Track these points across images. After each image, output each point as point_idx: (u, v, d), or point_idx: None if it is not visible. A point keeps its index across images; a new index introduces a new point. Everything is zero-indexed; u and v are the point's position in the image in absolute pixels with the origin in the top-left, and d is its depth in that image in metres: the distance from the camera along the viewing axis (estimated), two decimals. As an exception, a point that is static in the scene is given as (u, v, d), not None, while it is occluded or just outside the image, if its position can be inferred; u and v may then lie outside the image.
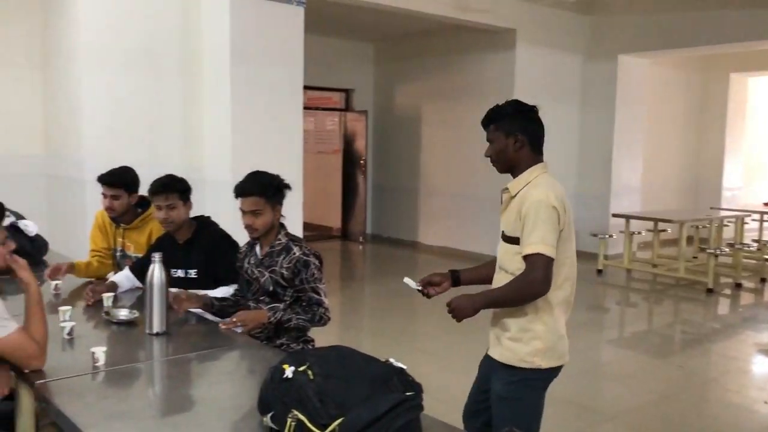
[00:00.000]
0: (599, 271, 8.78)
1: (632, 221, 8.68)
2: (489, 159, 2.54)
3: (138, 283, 3.59)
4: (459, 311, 2.42)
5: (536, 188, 2.40)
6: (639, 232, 9.03)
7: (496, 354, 2.54)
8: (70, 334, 2.70)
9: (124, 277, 3.62)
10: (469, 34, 9.23)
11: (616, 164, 9.71)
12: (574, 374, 5.08)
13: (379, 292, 7.70)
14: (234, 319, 2.85)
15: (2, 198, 5.96)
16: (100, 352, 2.40)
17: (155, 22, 6.07)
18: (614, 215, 8.98)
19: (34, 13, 6.49)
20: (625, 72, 9.58)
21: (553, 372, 2.53)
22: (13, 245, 2.43)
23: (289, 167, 6.38)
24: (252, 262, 3.08)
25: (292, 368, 1.89)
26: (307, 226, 11.38)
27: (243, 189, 3.02)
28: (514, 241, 2.42)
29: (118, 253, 3.92)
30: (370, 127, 10.65)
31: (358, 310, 6.88)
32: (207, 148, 6.32)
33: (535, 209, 2.34)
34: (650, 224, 8.93)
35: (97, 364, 2.39)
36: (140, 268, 3.52)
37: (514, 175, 2.49)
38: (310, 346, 3.07)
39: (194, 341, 2.83)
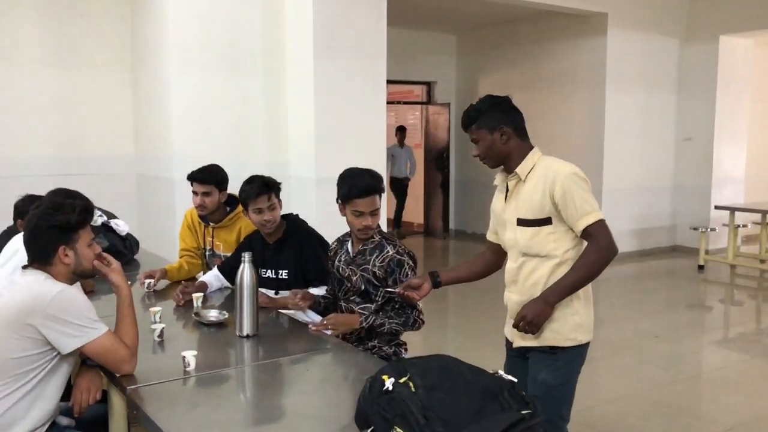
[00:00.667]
0: (700, 267, 8.24)
1: (736, 213, 8.10)
2: (478, 158, 2.53)
3: (227, 283, 3.55)
4: (537, 318, 2.33)
5: (557, 164, 2.39)
6: (744, 225, 8.43)
7: (536, 342, 2.42)
8: (160, 336, 2.64)
9: (213, 277, 3.57)
10: (558, 20, 8.85)
11: (717, 153, 9.09)
12: (681, 379, 4.74)
13: (464, 290, 7.47)
14: (325, 322, 2.72)
15: (96, 197, 6.10)
16: (191, 356, 2.32)
17: (239, 19, 6.07)
18: (717, 207, 8.41)
19: (125, 16, 6.62)
20: (727, 54, 8.94)
21: (587, 346, 2.47)
22: (99, 248, 2.38)
23: (372, 162, 6.26)
24: (343, 260, 2.94)
25: (392, 380, 1.74)
26: (388, 221, 11.34)
27: (368, 187, 2.75)
28: (540, 222, 2.37)
29: (207, 252, 3.89)
30: (452, 120, 10.42)
31: (443, 309, 6.68)
32: (291, 145, 6.28)
33: (572, 182, 2.32)
34: (756, 216, 8.31)
35: (188, 369, 2.31)
36: (229, 268, 3.47)
37: (510, 167, 2.46)
38: (403, 350, 2.91)
39: (285, 344, 2.72)
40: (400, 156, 10.46)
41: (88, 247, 2.31)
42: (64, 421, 2.24)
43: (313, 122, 5.98)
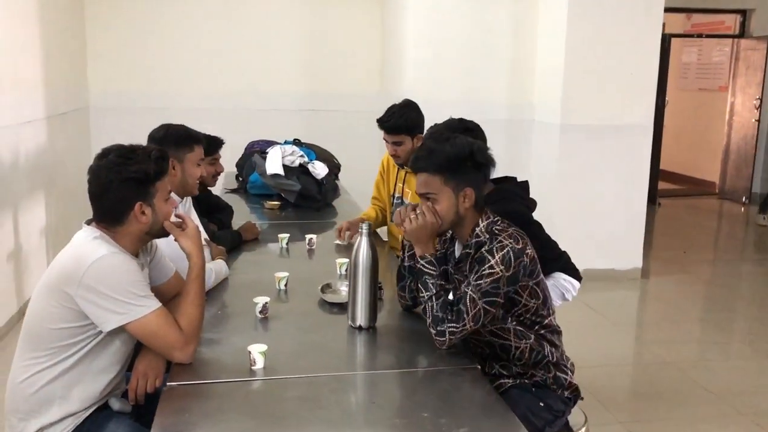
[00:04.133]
0: None
1: None
2: None
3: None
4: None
5: None
6: None
7: None
8: (263, 312, 2.18)
9: None
10: None
11: None
12: None
13: (762, 275, 5.91)
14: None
15: (338, 133, 5.96)
16: (258, 353, 1.81)
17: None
18: None
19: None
20: None
21: None
22: (176, 202, 1.96)
23: (637, 105, 5.13)
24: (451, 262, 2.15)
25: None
26: (677, 178, 9.69)
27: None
28: None
29: (395, 200, 3.38)
30: (772, 58, 8.35)
31: (726, 299, 5.27)
32: (537, 85, 5.39)
33: None
34: None
35: (253, 368, 1.81)
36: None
37: None
38: (565, 390, 2.07)
39: (404, 347, 2.06)
40: None
41: (166, 202, 1.90)
42: (117, 405, 1.90)
43: (563, 55, 5.00)
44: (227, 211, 3.38)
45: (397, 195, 3.37)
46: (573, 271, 2.68)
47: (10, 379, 1.85)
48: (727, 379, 3.72)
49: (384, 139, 3.23)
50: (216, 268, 2.48)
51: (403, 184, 3.31)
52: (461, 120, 2.66)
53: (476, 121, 2.71)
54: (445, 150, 1.94)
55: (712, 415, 3.35)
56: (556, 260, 2.61)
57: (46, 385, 1.79)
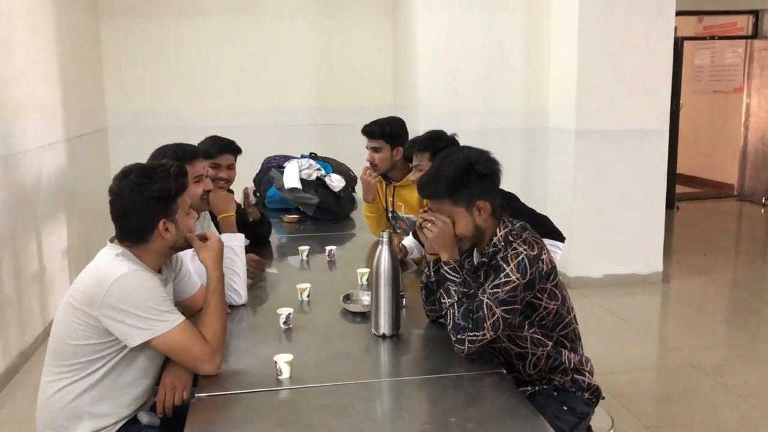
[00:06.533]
0: None
1: None
2: None
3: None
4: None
5: None
6: None
7: None
8: (286, 322, 2.20)
9: (413, 242, 3.08)
10: None
11: None
12: None
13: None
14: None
15: (349, 147, 6.00)
16: (284, 362, 1.83)
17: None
18: None
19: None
20: None
21: None
22: (196, 214, 1.98)
23: (651, 109, 5.12)
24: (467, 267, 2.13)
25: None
26: (695, 181, 9.62)
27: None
28: None
29: (389, 214, 3.42)
30: (786, 58, 8.29)
31: (749, 301, 5.21)
32: (551, 92, 5.39)
33: None
34: None
35: (280, 378, 1.83)
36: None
37: None
38: (583, 395, 2.07)
39: (428, 356, 2.07)
40: None
41: (188, 216, 1.93)
42: (145, 418, 1.92)
43: (576, 65, 5.01)
44: (265, 225, 3.41)
45: (390, 209, 3.41)
46: (556, 234, 2.79)
47: (40, 395, 1.88)
48: (752, 381, 3.68)
49: (366, 146, 3.31)
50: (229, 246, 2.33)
51: (393, 198, 3.37)
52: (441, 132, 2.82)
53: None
54: (443, 172, 1.95)
55: (738, 418, 3.32)
56: (537, 227, 2.61)
57: (73, 400, 1.82)
